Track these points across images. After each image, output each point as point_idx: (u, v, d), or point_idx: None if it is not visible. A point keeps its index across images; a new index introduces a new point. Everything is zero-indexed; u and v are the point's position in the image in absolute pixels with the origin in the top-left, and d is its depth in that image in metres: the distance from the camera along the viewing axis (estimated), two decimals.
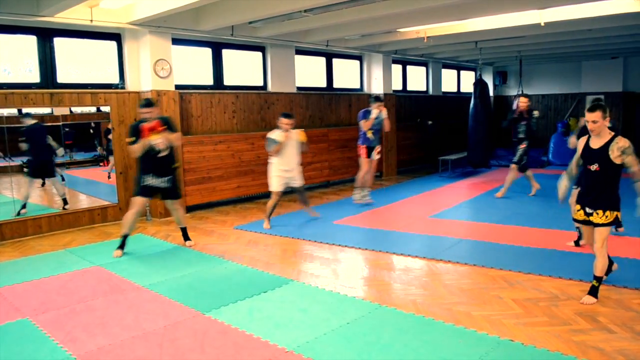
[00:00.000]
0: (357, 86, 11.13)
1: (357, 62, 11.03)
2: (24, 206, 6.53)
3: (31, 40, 6.51)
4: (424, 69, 13.02)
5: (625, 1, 6.45)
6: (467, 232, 6.09)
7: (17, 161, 6.69)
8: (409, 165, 12.11)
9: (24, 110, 6.46)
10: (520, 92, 12.41)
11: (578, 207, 3.98)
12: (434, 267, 4.88)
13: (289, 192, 7.16)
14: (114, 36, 7.19)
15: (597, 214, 3.80)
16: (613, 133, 3.78)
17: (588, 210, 3.87)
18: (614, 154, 3.69)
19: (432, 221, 6.75)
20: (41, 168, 6.80)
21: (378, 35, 8.95)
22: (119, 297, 4.24)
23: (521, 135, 7.94)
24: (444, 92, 13.68)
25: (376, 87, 10.97)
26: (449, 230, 6.21)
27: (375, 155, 7.71)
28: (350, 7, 6.22)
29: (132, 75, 7.24)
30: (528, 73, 14.13)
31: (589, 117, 3.72)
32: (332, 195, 8.91)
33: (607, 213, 3.76)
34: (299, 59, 9.63)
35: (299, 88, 9.60)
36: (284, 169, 6.49)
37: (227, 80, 8.56)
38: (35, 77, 6.55)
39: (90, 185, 7.90)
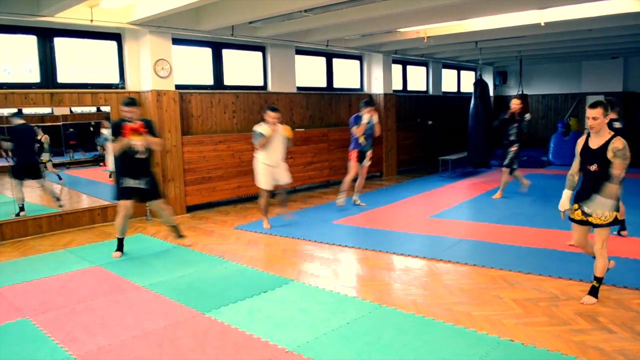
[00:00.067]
0: (357, 86, 11.13)
1: (357, 62, 11.02)
2: (22, 209, 6.46)
3: (31, 40, 6.51)
4: (424, 69, 13.02)
5: (625, 1, 6.45)
6: (467, 232, 6.09)
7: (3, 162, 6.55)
8: (409, 165, 12.11)
9: (24, 111, 6.46)
10: (520, 92, 12.44)
11: (576, 206, 3.92)
12: (434, 267, 4.88)
13: (289, 193, 7.14)
14: (114, 36, 7.19)
15: (596, 214, 3.79)
16: (612, 133, 3.75)
17: (586, 210, 3.83)
18: (610, 155, 3.66)
19: (432, 221, 6.75)
20: (25, 169, 6.60)
21: (378, 35, 8.95)
22: (119, 297, 4.24)
23: (512, 138, 7.78)
24: (444, 92, 13.68)
25: (376, 87, 10.97)
26: (449, 230, 6.20)
27: (367, 162, 7.62)
28: (350, 7, 6.22)
29: (132, 75, 7.24)
30: (528, 73, 14.12)
31: (590, 113, 3.68)
32: (332, 195, 8.91)
33: (607, 214, 3.74)
34: (299, 59, 9.63)
35: (299, 88, 9.60)
36: (268, 164, 6.36)
37: (227, 80, 8.56)
38: (35, 77, 6.55)
39: (91, 185, 7.90)
